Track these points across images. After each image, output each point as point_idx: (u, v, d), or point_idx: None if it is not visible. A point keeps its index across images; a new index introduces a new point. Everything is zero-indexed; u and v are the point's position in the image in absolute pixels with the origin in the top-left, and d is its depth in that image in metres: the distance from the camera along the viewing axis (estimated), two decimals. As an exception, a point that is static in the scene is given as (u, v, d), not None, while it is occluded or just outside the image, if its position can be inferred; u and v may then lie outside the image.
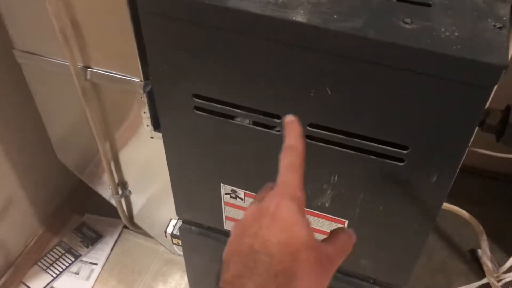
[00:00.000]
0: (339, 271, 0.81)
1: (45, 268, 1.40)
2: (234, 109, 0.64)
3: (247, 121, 0.66)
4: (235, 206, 0.78)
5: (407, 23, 0.51)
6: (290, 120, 0.44)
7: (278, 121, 0.63)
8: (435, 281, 1.41)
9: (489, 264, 0.71)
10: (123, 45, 0.89)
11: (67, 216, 1.54)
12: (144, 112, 1.01)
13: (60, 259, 1.42)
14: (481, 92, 0.50)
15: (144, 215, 1.35)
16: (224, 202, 0.79)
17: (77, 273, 1.40)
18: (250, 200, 0.76)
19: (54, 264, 1.40)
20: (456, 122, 0.53)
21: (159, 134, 1.03)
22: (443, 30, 0.50)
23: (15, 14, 0.95)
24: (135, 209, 1.33)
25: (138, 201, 1.30)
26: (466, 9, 0.53)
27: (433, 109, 0.53)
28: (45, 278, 1.38)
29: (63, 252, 1.44)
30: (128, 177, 1.23)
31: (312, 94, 0.58)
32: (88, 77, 0.97)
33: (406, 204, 0.65)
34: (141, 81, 0.94)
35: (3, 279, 1.38)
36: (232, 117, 0.66)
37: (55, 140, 1.23)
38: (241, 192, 0.76)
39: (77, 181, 1.40)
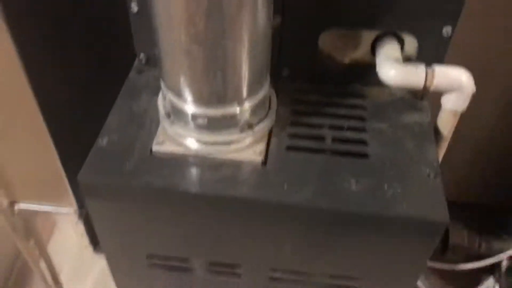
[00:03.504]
0: None
1: None
2: (193, 263, 0.64)
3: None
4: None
5: (353, 184, 0.54)
6: None
7: (239, 270, 0.64)
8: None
9: None
10: (51, 178, 0.85)
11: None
12: (82, 235, 0.97)
13: None
14: (427, 242, 0.55)
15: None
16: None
17: None
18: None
19: None
20: (407, 264, 0.58)
21: (100, 255, 1.00)
22: (386, 187, 0.54)
23: None
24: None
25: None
26: (401, 157, 0.58)
27: (385, 255, 0.57)
28: None
29: None
30: (64, 281, 1.17)
31: (271, 251, 0.59)
32: (16, 212, 0.92)
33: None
34: (75, 210, 0.90)
35: None
36: (192, 269, 0.66)
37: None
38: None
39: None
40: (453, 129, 0.63)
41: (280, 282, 0.64)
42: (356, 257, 0.59)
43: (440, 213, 0.52)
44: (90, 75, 0.83)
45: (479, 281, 0.74)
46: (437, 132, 0.64)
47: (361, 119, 0.63)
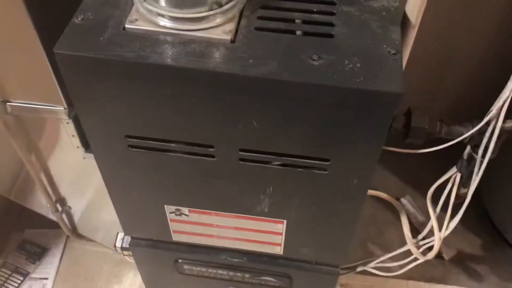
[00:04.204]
0: (282, 257, 0.89)
1: (-6, 292, 1.39)
2: (169, 144, 0.68)
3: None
4: (181, 221, 0.84)
5: (315, 60, 0.57)
6: None
7: (212, 149, 0.67)
8: (368, 233, 1.56)
9: (409, 235, 0.82)
10: (40, 77, 0.88)
11: (5, 236, 1.51)
12: (73, 136, 1.01)
13: (8, 281, 1.41)
14: (384, 114, 0.57)
15: (87, 224, 1.36)
16: (170, 219, 0.84)
17: (29, 291, 1.40)
18: (196, 215, 0.81)
19: (3, 287, 1.40)
20: (367, 137, 0.61)
21: (91, 155, 1.04)
22: (346, 62, 0.57)
23: None
24: (77, 220, 1.35)
25: (79, 213, 1.31)
26: (364, 37, 0.60)
27: (347, 129, 0.61)
28: (-3, 303, 1.37)
29: (9, 273, 1.43)
30: (66, 193, 1.23)
31: (240, 127, 0.63)
32: (9, 111, 0.96)
33: (334, 203, 0.74)
34: (64, 108, 0.94)
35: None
36: (169, 150, 0.69)
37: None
38: (185, 210, 0.81)
39: (9, 200, 1.37)
40: (420, 15, 0.64)
41: (252, 162, 0.68)
42: (319, 133, 0.62)
43: (396, 85, 0.55)
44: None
45: (445, 171, 0.78)
46: (406, 19, 0.65)
47: (331, 3, 0.64)
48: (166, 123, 0.65)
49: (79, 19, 0.60)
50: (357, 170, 0.67)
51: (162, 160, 0.71)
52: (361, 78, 0.55)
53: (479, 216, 1.54)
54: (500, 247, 1.49)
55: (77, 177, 1.19)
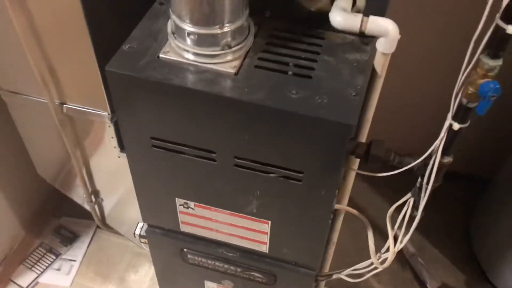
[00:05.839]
0: (268, 256, 1.06)
1: (30, 266, 1.61)
2: (183, 147, 0.88)
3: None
4: (188, 213, 1.03)
5: (294, 93, 0.76)
6: None
7: (214, 155, 0.87)
8: (362, 256, 1.70)
9: (373, 247, 0.98)
10: (93, 85, 1.11)
11: (45, 220, 1.74)
12: (112, 137, 1.23)
13: (43, 258, 1.63)
14: (341, 140, 0.76)
15: (114, 217, 1.57)
16: (179, 211, 1.03)
17: (58, 269, 1.62)
18: (200, 209, 1.01)
19: (38, 263, 1.62)
20: (330, 156, 0.79)
21: (125, 155, 1.26)
22: (317, 98, 0.76)
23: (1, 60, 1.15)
24: (107, 212, 1.56)
25: (109, 206, 1.53)
26: (335, 80, 0.79)
27: (315, 148, 0.79)
28: (31, 275, 1.59)
29: (44, 252, 1.65)
30: (100, 187, 1.45)
31: (235, 139, 0.82)
32: (64, 111, 1.18)
33: (307, 209, 0.91)
34: (108, 114, 1.16)
35: (-8, 278, 1.58)
36: (182, 152, 0.89)
37: (35, 159, 1.44)
38: (191, 203, 1.00)
39: (52, 189, 1.60)
40: (385, 68, 0.82)
41: (244, 168, 0.87)
42: (294, 150, 0.80)
43: (350, 118, 0.73)
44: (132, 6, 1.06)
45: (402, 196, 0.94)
46: (374, 71, 0.84)
47: (316, 53, 0.83)
48: (181, 130, 0.85)
49: (127, 47, 0.82)
50: (324, 183, 0.85)
51: (177, 160, 0.91)
52: (325, 110, 0.74)
53: (467, 255, 1.66)
54: (483, 285, 1.60)
55: (111, 174, 1.41)
